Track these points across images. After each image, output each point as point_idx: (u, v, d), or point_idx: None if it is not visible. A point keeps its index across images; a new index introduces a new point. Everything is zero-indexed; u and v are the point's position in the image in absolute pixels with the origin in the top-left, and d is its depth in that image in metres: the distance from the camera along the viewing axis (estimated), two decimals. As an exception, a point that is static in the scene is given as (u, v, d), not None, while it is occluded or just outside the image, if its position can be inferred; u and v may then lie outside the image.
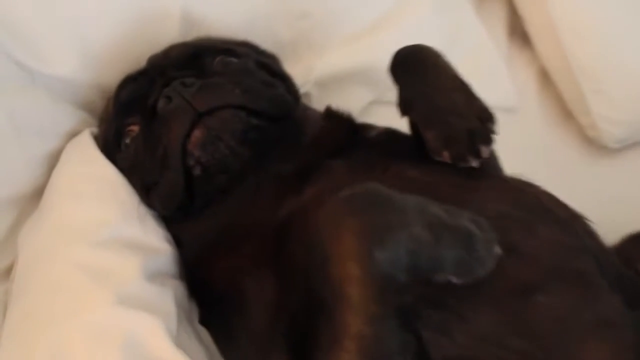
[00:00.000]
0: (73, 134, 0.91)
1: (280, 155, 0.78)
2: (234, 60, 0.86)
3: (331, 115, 0.89)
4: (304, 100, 0.95)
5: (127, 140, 0.82)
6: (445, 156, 0.69)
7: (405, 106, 0.77)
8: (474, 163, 0.68)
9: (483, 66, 1.21)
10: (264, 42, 0.99)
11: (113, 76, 0.89)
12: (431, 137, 0.71)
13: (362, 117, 1.05)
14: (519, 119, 1.19)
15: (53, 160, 0.88)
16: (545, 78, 1.25)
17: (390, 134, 0.84)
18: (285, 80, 0.89)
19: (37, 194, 0.86)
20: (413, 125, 0.78)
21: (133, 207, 0.79)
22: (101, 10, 0.90)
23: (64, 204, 0.79)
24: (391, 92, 1.07)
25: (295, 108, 0.84)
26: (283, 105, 0.81)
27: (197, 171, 0.74)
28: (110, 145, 0.84)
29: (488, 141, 0.70)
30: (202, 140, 0.73)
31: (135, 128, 0.81)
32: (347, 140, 0.82)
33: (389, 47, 1.05)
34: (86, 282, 0.68)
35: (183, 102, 0.73)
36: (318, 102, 1.04)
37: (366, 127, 0.87)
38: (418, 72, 0.79)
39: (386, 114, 1.04)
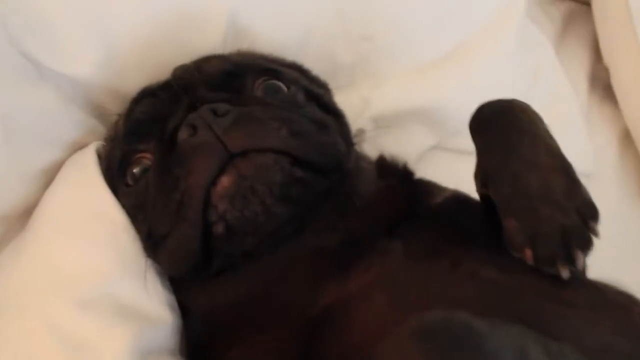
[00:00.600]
0: (79, 146, 0.76)
1: (325, 222, 0.63)
2: (281, 87, 0.71)
3: (386, 168, 0.74)
4: (356, 139, 0.78)
5: (136, 170, 0.66)
6: (528, 256, 0.55)
7: (484, 179, 0.62)
8: (565, 273, 0.54)
9: (559, 119, 1.03)
10: (318, 63, 0.84)
11: (135, 83, 0.74)
12: (513, 228, 0.56)
13: (419, 164, 0.93)
14: (594, 186, 1.02)
15: (52, 175, 0.74)
16: (627, 140, 1.10)
17: (459, 204, 0.69)
18: (338, 118, 0.74)
19: (28, 213, 0.72)
20: (486, 198, 0.62)
21: (134, 258, 0.64)
22: (132, 4, 0.75)
23: (50, 239, 0.64)
24: (457, 138, 0.95)
25: (348, 159, 0.68)
26: (336, 155, 0.66)
27: (219, 229, 0.59)
28: (114, 171, 0.69)
29: (587, 246, 0.54)
30: (231, 190, 0.58)
31: (147, 156, 0.66)
32: (406, 208, 0.67)
33: (459, 85, 0.94)
34: (56, 353, 0.54)
35: (211, 136, 0.58)
36: (372, 141, 0.89)
37: (429, 191, 0.72)
38: (507, 137, 0.62)
39: (448, 163, 0.95)
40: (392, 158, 0.77)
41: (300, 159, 0.60)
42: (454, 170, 0.94)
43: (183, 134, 0.60)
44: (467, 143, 0.95)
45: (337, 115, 0.74)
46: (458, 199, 0.69)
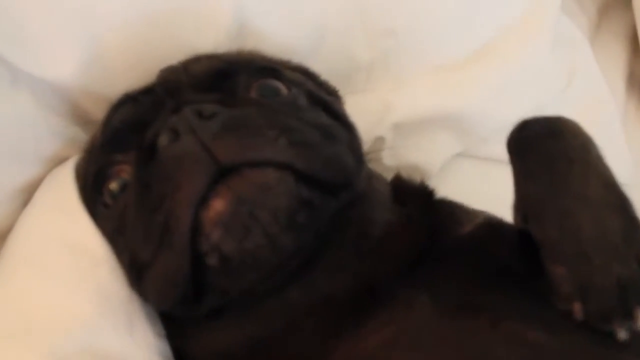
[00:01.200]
0: (60, 160, 0.67)
1: (337, 259, 0.54)
2: (280, 88, 0.61)
3: (403, 190, 0.64)
4: (371, 153, 0.69)
5: (113, 186, 0.57)
6: (577, 310, 0.47)
7: (525, 213, 0.52)
8: (622, 334, 0.46)
9: (595, 124, 0.94)
10: (332, 63, 0.76)
11: (123, 87, 0.63)
12: (560, 276, 0.48)
13: (443, 173, 0.85)
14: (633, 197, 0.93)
15: (29, 195, 0.65)
16: (668, 147, 1.00)
17: (491, 233, 0.58)
18: (348, 129, 0.63)
19: (2, 239, 0.63)
20: (523, 233, 0.53)
21: (118, 298, 0.54)
22: (121, 1, 0.65)
23: (20, 276, 0.55)
24: (485, 146, 0.85)
25: (358, 176, 0.58)
26: (345, 170, 0.55)
27: (212, 260, 0.49)
28: (89, 188, 0.59)
29: None
30: (226, 217, 0.48)
31: (126, 169, 0.56)
32: (429, 240, 0.57)
33: (490, 88, 0.85)
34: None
35: (196, 143, 0.48)
36: (391, 150, 0.79)
37: (456, 217, 0.61)
38: (554, 165, 0.52)
39: (474, 172, 0.87)
40: (409, 177, 0.67)
41: (304, 174, 0.50)
42: (482, 179, 0.88)
43: (163, 140, 0.50)
44: (496, 150, 0.87)
45: (346, 125, 0.64)
46: (490, 226, 0.59)
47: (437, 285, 0.52)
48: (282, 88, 0.61)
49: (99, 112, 0.66)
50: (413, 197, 0.63)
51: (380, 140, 0.79)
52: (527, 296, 0.50)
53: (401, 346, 0.48)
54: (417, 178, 0.72)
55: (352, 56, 0.78)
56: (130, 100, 0.60)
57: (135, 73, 0.66)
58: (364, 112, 0.76)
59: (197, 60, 0.62)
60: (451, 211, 0.63)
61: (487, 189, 0.83)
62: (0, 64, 0.62)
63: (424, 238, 0.57)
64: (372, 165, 0.67)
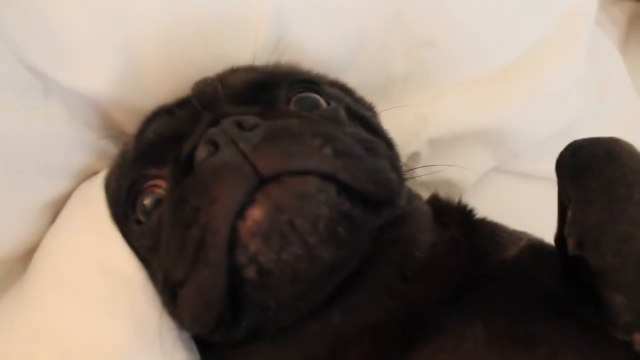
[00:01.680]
0: (90, 173, 0.64)
1: (381, 281, 0.52)
2: (320, 101, 0.59)
3: (442, 210, 0.62)
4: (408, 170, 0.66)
5: (147, 202, 0.55)
6: (637, 341, 0.46)
7: (581, 239, 0.49)
8: None
9: (627, 136, 0.92)
10: (368, 75, 0.74)
11: (157, 99, 0.62)
12: (619, 304, 0.46)
13: (475, 188, 0.83)
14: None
15: (57, 210, 0.62)
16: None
17: (536, 256, 0.57)
18: (390, 146, 0.61)
19: (30, 254, 0.60)
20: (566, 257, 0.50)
21: (154, 325, 0.52)
22: (156, 5, 0.63)
23: (52, 302, 0.53)
24: (519, 161, 0.83)
25: (399, 193, 0.55)
26: (388, 184, 0.53)
27: (250, 273, 0.46)
28: (121, 203, 0.57)
29: None
30: (264, 226, 0.45)
31: (160, 184, 0.54)
32: (473, 264, 0.55)
33: (525, 101, 0.82)
34: None
35: (237, 154, 0.46)
36: (426, 166, 0.77)
37: (498, 239, 0.59)
38: (612, 189, 0.49)
39: (506, 187, 0.86)
40: (447, 195, 0.65)
41: (347, 186, 0.48)
42: (514, 194, 0.85)
43: (201, 153, 0.48)
44: (530, 165, 0.85)
45: (386, 141, 0.62)
46: (534, 249, 0.57)
47: (487, 314, 0.49)
48: (322, 102, 0.59)
49: (131, 125, 0.64)
50: (453, 217, 0.61)
51: (416, 155, 0.77)
52: (580, 326, 0.48)
53: None
54: (451, 194, 0.70)
55: (388, 67, 0.76)
56: (165, 113, 0.58)
57: (170, 84, 0.64)
58: (400, 126, 0.73)
59: (233, 72, 0.61)
60: (493, 232, 0.60)
61: (520, 204, 0.82)
62: (33, 74, 0.60)
63: (468, 261, 0.55)
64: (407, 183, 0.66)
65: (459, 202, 0.64)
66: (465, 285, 0.52)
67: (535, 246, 0.58)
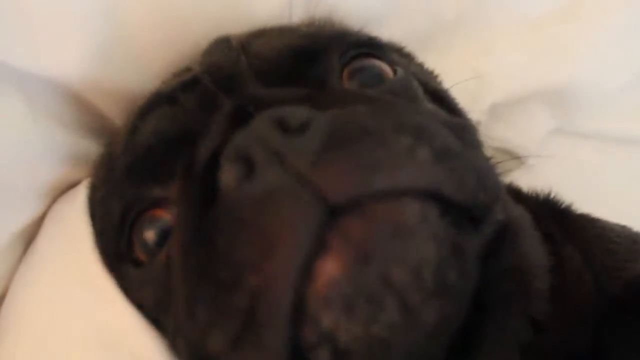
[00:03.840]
0: (65, 187, 0.47)
1: (500, 334, 0.36)
2: (385, 70, 0.42)
3: (533, 210, 0.46)
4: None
5: (149, 234, 0.38)
6: None
7: None
8: None
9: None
10: (416, 23, 0.60)
11: (148, 79, 0.45)
12: None
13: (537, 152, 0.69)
14: None
15: (26, 243, 0.46)
16: None
17: None
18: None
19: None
20: None
21: None
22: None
23: None
24: (579, 120, 0.71)
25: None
26: (497, 191, 0.37)
27: (321, 355, 0.30)
28: (112, 239, 0.40)
29: None
30: (344, 285, 0.29)
31: (168, 209, 0.38)
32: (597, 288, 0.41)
33: (590, 46, 0.69)
34: None
35: (287, 177, 0.30)
36: (486, 131, 0.64)
37: (610, 246, 0.45)
38: None
39: (571, 148, 0.72)
40: (545, 194, 0.50)
41: (455, 202, 0.32)
42: (577, 158, 0.72)
43: (228, 178, 0.31)
44: (591, 124, 0.72)
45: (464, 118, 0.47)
46: None
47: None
48: (387, 71, 0.43)
49: (116, 115, 0.47)
50: (550, 219, 0.46)
51: (477, 125, 0.63)
52: None
53: None
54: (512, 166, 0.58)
55: (439, 11, 0.61)
56: (165, 101, 0.40)
57: (165, 56, 0.47)
58: (457, 90, 0.59)
59: (260, 35, 0.43)
60: (602, 236, 0.46)
61: (582, 168, 0.70)
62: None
63: (593, 287, 0.41)
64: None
65: (547, 196, 0.50)
66: (602, 321, 0.38)
67: None
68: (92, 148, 0.48)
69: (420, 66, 0.52)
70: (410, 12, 0.58)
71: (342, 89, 0.40)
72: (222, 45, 0.43)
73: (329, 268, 0.29)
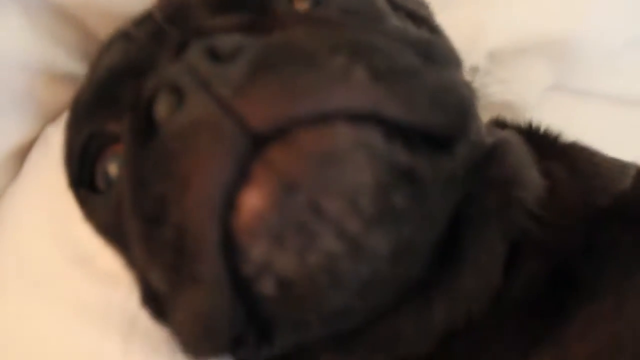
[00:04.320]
0: (61, 110, 0.48)
1: (484, 244, 0.37)
2: None
3: (541, 144, 0.46)
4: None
5: (112, 169, 0.38)
6: None
7: None
8: None
9: None
10: None
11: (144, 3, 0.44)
12: None
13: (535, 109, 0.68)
14: None
15: (22, 162, 0.47)
16: None
17: None
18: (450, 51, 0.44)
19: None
20: None
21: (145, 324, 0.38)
22: None
23: (14, 297, 0.41)
24: (578, 77, 0.71)
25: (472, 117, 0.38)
26: (463, 106, 0.35)
27: (265, 287, 0.31)
28: (74, 167, 0.41)
29: None
30: (269, 216, 0.29)
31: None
32: (588, 202, 0.41)
33: (592, 8, 0.67)
34: None
35: (210, 105, 0.29)
36: (484, 83, 0.63)
37: (601, 169, 0.45)
38: None
39: (570, 107, 0.72)
40: (532, 126, 0.51)
41: (401, 125, 0.31)
42: (576, 117, 0.72)
43: (161, 108, 0.31)
44: (596, 82, 0.72)
45: (441, 36, 0.46)
46: None
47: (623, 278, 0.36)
48: None
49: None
50: (541, 146, 0.46)
51: (473, 70, 0.63)
52: None
53: (622, 355, 0.33)
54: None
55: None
56: (122, 38, 0.40)
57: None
58: (453, 35, 0.59)
59: None
60: (592, 160, 0.46)
61: (581, 126, 0.70)
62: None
63: (582, 200, 0.41)
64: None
65: (534, 125, 0.50)
66: (591, 230, 0.39)
67: None
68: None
69: None
70: None
71: (288, 12, 0.38)
72: None
73: (252, 199, 0.28)
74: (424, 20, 0.44)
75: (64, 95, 0.47)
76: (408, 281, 0.34)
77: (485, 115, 0.55)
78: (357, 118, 0.29)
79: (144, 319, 0.37)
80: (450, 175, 0.34)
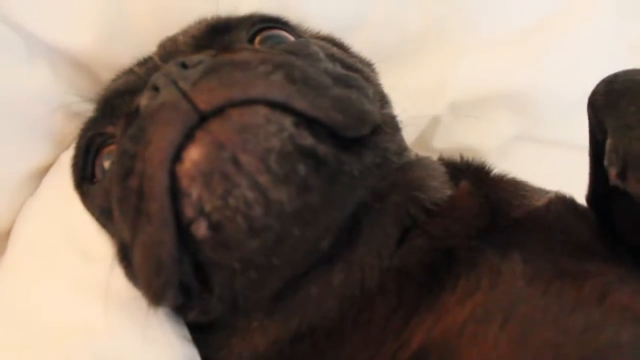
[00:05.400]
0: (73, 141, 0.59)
1: (381, 229, 0.46)
2: (287, 37, 0.54)
3: (455, 166, 0.56)
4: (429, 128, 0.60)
5: (107, 163, 0.51)
6: None
7: (623, 166, 0.44)
8: None
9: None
10: (383, 33, 0.68)
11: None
12: None
13: (497, 158, 0.72)
14: None
15: (39, 181, 0.57)
16: None
17: (568, 209, 0.51)
18: (382, 98, 0.56)
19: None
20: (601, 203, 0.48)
21: (131, 298, 0.46)
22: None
23: (24, 278, 0.50)
24: (545, 127, 0.77)
25: (384, 132, 0.48)
26: (362, 114, 0.45)
27: (200, 228, 0.40)
28: (79, 167, 0.53)
29: None
30: (202, 166, 0.39)
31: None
32: (498, 213, 0.50)
33: (554, 61, 0.76)
34: None
35: (176, 94, 0.41)
36: (445, 131, 0.71)
37: (522, 192, 0.53)
38: None
39: (533, 156, 0.80)
40: (464, 158, 0.59)
41: (309, 118, 0.41)
42: (540, 164, 0.79)
43: (143, 100, 0.44)
44: (555, 133, 0.78)
45: (379, 92, 0.56)
46: (565, 201, 0.52)
47: (525, 251, 0.44)
48: (289, 37, 0.54)
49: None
50: (469, 173, 0.55)
51: (435, 120, 0.71)
52: (628, 268, 0.44)
53: (494, 319, 0.40)
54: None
55: (403, 25, 0.70)
56: (126, 73, 0.55)
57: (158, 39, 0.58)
58: (419, 89, 0.68)
59: (197, 22, 0.56)
60: (515, 186, 0.55)
61: (544, 174, 0.75)
62: (16, 32, 0.55)
63: (489, 210, 0.50)
64: (417, 149, 0.60)
65: (473, 159, 0.58)
66: (491, 229, 0.47)
67: (566, 198, 0.52)
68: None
69: (352, 54, 0.61)
70: (375, 24, 0.67)
71: (241, 47, 0.50)
72: (172, 35, 0.56)
73: (193, 153, 0.39)
74: (358, 71, 0.54)
75: (77, 129, 0.58)
76: (315, 250, 0.43)
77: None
78: (273, 105, 0.40)
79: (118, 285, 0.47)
80: (357, 172, 0.43)
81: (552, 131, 0.79)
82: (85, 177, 0.52)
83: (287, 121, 0.40)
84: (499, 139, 0.76)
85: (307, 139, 0.40)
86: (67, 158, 0.56)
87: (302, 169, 0.40)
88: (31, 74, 0.56)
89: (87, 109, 0.58)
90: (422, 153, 0.60)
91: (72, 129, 0.57)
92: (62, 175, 0.54)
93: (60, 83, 0.57)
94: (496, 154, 0.76)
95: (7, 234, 0.56)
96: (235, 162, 0.39)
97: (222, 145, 0.39)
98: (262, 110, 0.40)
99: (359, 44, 0.63)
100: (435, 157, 0.69)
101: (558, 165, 0.78)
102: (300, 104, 0.41)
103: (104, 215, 0.49)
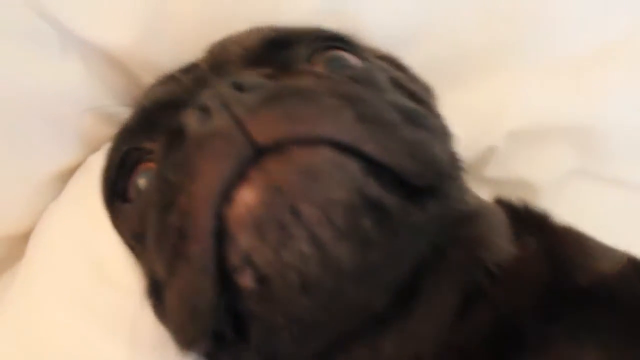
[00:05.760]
0: (102, 143, 0.55)
1: (441, 295, 0.41)
2: (353, 60, 0.49)
3: (514, 215, 0.50)
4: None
5: (142, 181, 0.46)
6: None
7: None
8: None
9: None
10: (439, 50, 0.63)
11: (185, 59, 0.53)
12: None
13: (555, 194, 0.69)
14: None
15: (63, 186, 0.54)
16: None
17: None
18: (442, 123, 0.50)
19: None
20: None
21: (151, 336, 0.43)
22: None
23: (40, 299, 0.46)
24: (609, 163, 0.71)
25: (452, 181, 0.44)
26: (434, 163, 0.41)
27: (245, 279, 0.36)
28: (110, 183, 0.49)
29: None
30: (257, 211, 0.35)
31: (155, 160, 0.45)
32: (560, 276, 0.43)
33: (622, 93, 0.69)
34: None
35: (228, 120, 0.36)
36: (501, 161, 0.65)
37: (588, 250, 0.47)
38: None
39: (592, 193, 0.72)
40: (516, 199, 0.53)
41: (377, 163, 0.37)
42: (602, 204, 0.72)
43: (190, 121, 0.38)
44: (622, 170, 0.72)
45: (439, 118, 0.51)
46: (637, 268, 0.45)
47: (599, 337, 0.39)
48: (355, 61, 0.49)
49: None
50: (530, 223, 0.49)
51: (491, 150, 0.65)
52: None
53: None
54: (524, 196, 0.59)
55: (461, 41, 0.64)
56: (169, 79, 0.49)
57: (201, 41, 0.54)
58: (475, 114, 0.63)
59: (251, 32, 0.51)
60: (581, 242, 0.48)
61: (607, 215, 0.69)
62: (50, 25, 0.52)
63: (552, 273, 0.44)
64: (468, 177, 0.54)
65: (534, 206, 0.52)
66: (556, 300, 0.41)
67: (637, 263, 0.45)
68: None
69: (412, 77, 0.56)
70: (433, 40, 0.62)
71: (303, 70, 0.46)
72: (221, 41, 0.51)
73: (245, 195, 0.34)
74: (421, 101, 0.49)
75: (107, 131, 0.54)
76: (367, 309, 0.39)
77: (501, 191, 0.58)
78: (340, 147, 0.35)
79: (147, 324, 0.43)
80: (421, 224, 0.38)
81: (616, 168, 0.72)
82: (117, 193, 0.48)
83: (355, 168, 0.35)
84: (555, 172, 0.69)
85: (373, 187, 0.36)
86: (95, 162, 0.52)
87: (367, 223, 0.35)
88: (62, 70, 0.52)
89: (120, 112, 0.55)
90: (473, 182, 0.55)
91: (102, 131, 0.54)
92: (89, 181, 0.51)
93: (92, 80, 0.54)
94: (552, 189, 0.70)
95: (26, 236, 0.53)
96: (294, 211, 0.34)
97: (280, 189, 0.34)
98: (329, 153, 0.35)
99: (413, 58, 0.59)
100: (486, 186, 0.63)
101: (619, 206, 0.71)
102: (370, 147, 0.36)
103: (135, 240, 0.45)
